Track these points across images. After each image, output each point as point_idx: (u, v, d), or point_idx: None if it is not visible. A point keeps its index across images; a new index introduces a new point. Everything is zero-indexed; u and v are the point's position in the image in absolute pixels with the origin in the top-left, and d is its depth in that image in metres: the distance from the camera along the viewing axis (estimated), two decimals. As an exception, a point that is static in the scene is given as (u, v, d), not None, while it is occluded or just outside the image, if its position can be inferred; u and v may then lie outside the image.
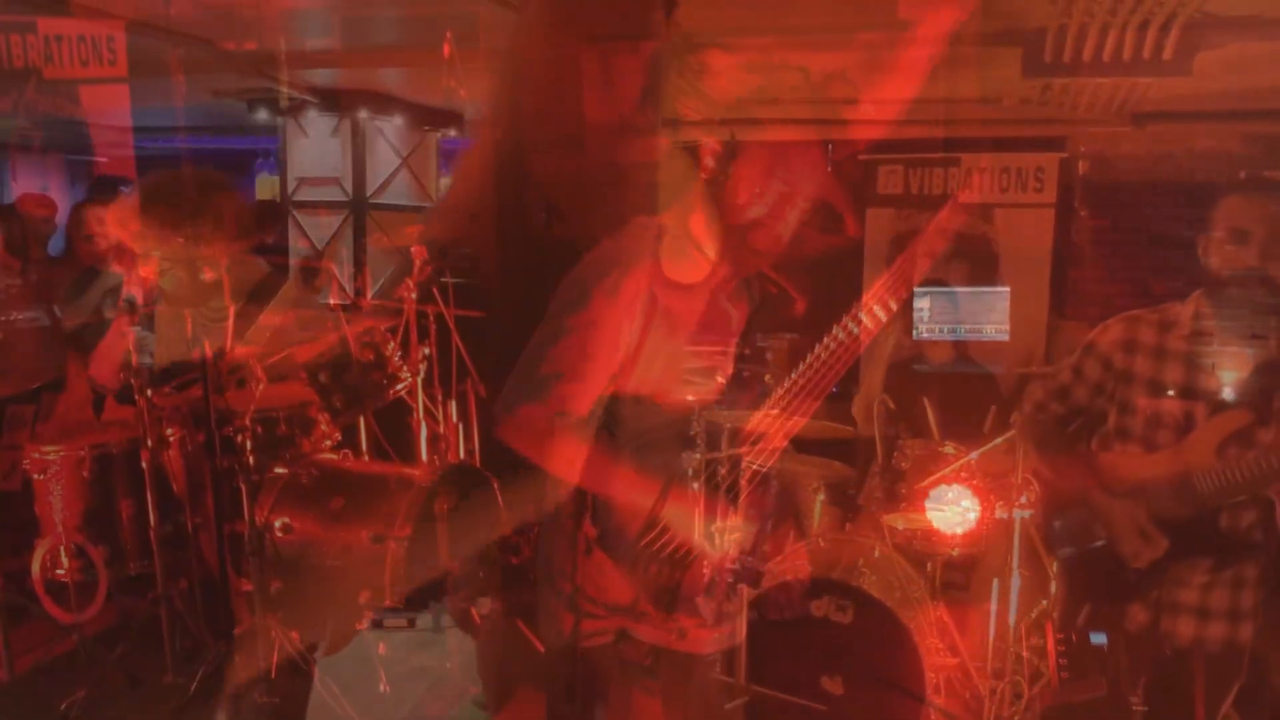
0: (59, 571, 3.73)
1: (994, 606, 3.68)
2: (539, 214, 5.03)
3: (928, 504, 4.16)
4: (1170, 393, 3.14)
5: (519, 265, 3.97)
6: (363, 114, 6.68)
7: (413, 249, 4.39)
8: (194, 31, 5.67)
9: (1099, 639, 3.89)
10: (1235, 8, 4.48)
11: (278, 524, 3.80)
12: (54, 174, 5.06)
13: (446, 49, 5.18)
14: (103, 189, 4.29)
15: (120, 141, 5.31)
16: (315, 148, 6.76)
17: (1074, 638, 3.90)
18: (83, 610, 3.70)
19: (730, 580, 2.07)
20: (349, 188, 6.78)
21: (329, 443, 4.17)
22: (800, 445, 5.03)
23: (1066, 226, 5.81)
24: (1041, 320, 5.73)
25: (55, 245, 5.36)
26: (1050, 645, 3.88)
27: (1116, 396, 3.23)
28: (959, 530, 4.14)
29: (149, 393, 3.61)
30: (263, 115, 6.56)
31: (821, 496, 4.87)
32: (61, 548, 3.71)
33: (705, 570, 2.07)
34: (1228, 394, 3.17)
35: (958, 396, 4.73)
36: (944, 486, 4.15)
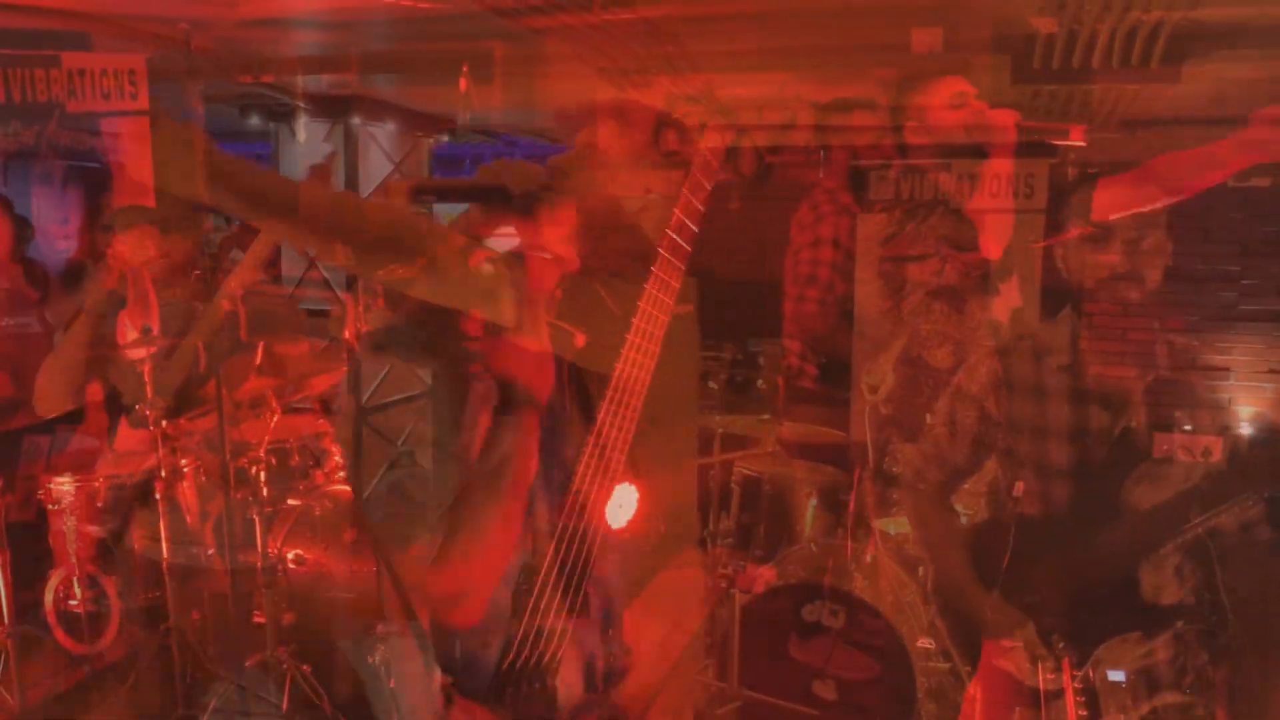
0: (72, 602, 3.73)
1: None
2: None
3: None
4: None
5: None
6: (355, 119, 6.72)
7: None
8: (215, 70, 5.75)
9: (1116, 676, 3.86)
10: (1221, 17, 4.62)
11: (290, 555, 3.79)
12: (74, 207, 5.10)
13: (463, 83, 5.23)
14: (122, 219, 4.31)
15: (140, 170, 5.35)
16: (308, 153, 6.80)
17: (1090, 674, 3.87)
18: (95, 641, 3.70)
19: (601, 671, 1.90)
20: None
21: (341, 474, 4.17)
22: (792, 450, 5.05)
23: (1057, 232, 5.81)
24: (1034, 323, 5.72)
25: (74, 277, 5.40)
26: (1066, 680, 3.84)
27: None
28: None
29: (164, 423, 3.61)
30: (255, 121, 6.61)
31: (814, 501, 4.87)
32: (75, 578, 3.71)
33: (575, 665, 1.87)
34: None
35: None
36: None
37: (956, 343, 2.98)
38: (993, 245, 2.73)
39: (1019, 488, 3.09)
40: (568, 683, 1.85)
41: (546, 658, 1.80)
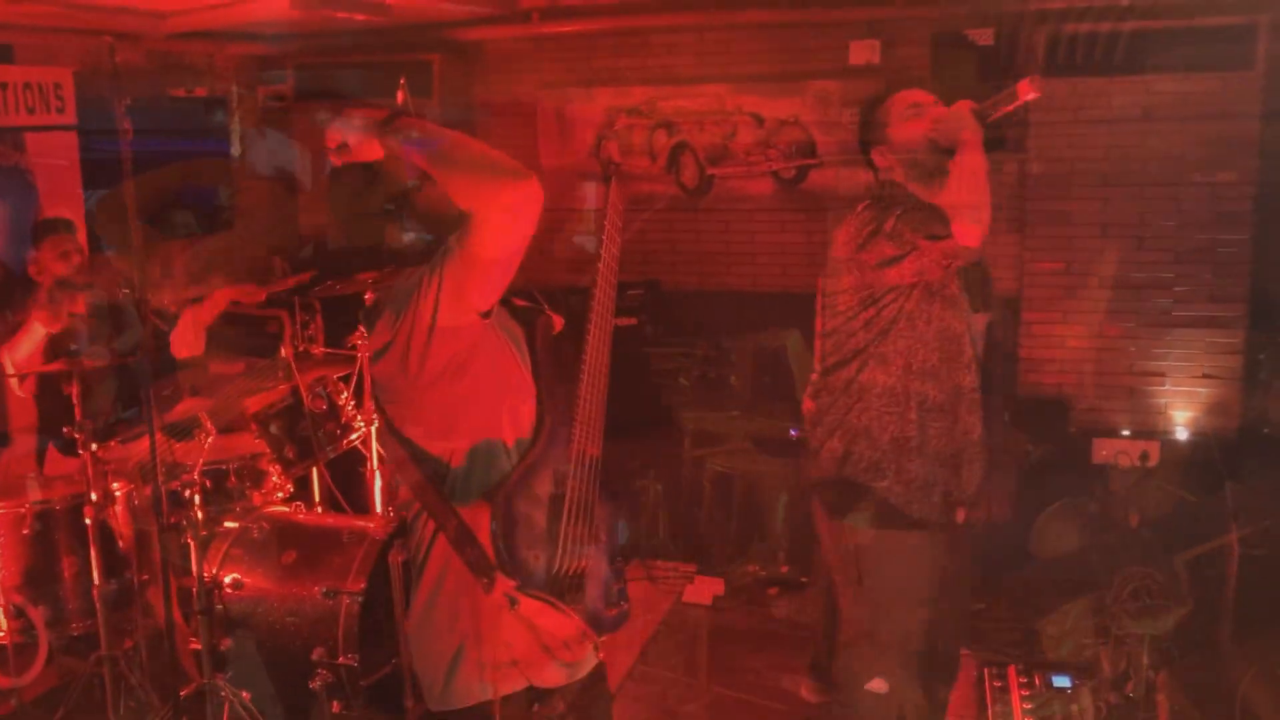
0: (-3, 634, 3.60)
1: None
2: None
3: None
4: None
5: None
6: (320, 116, 6.62)
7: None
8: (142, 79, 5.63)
9: (1061, 681, 3.90)
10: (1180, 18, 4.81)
11: (227, 580, 3.70)
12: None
13: (400, 95, 5.17)
14: (37, 232, 4.19)
15: (67, 182, 5.24)
16: (271, 150, 6.71)
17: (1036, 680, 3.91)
18: (21, 674, 3.58)
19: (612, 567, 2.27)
20: (256, 157, 6.71)
21: (280, 495, 4.09)
22: (762, 446, 5.08)
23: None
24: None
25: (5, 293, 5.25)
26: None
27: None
28: None
29: (94, 447, 3.51)
30: (219, 117, 6.51)
31: (784, 498, 4.89)
32: (0, 609, 3.58)
33: (596, 582, 2.22)
34: None
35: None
36: None
37: (935, 350, 2.98)
38: (970, 233, 2.76)
39: (960, 514, 3.08)
40: (591, 595, 2.19)
41: (578, 570, 2.16)
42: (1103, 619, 4.19)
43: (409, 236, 2.16)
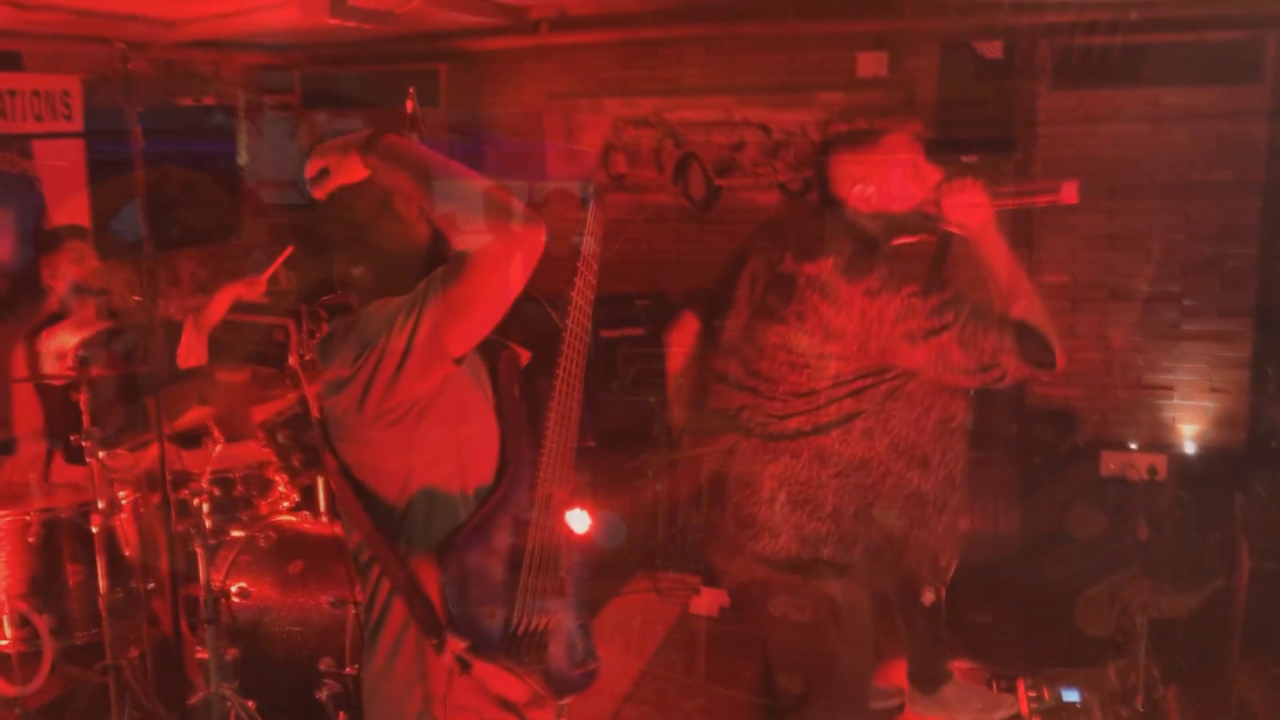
0: (2, 642, 3.58)
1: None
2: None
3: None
4: None
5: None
6: (320, 116, 6.65)
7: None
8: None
9: (1070, 695, 3.89)
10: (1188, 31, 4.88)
11: (234, 589, 3.68)
12: (4, 229, 4.96)
13: (409, 105, 5.18)
14: (51, 238, 4.18)
15: (74, 189, 5.24)
16: (272, 150, 6.71)
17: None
18: (26, 683, 3.55)
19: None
20: (261, 165, 6.72)
21: (287, 504, 4.08)
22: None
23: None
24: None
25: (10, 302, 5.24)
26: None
27: None
28: None
29: (100, 454, 3.49)
30: (219, 119, 6.51)
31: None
32: (4, 617, 3.56)
33: (560, 639, 2.07)
34: None
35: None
36: None
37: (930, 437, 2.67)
38: (1060, 358, 2.46)
39: (928, 596, 2.92)
40: (554, 654, 2.05)
41: (539, 627, 2.02)
42: (1137, 596, 4.17)
43: (358, 270, 1.97)
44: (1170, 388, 5.35)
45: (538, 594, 2.00)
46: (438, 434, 1.91)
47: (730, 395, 2.64)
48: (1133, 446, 5.21)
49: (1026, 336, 2.45)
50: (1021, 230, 5.52)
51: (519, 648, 1.98)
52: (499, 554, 1.97)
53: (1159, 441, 5.30)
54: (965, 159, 5.30)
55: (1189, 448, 5.26)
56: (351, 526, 2.01)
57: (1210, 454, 5.20)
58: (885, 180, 2.53)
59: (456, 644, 1.89)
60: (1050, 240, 5.45)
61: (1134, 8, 4.83)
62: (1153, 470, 5.00)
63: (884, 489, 2.62)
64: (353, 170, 1.91)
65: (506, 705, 1.97)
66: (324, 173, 1.92)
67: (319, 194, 1.94)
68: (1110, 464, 5.11)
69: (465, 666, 1.90)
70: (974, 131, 5.24)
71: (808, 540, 2.63)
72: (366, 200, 1.95)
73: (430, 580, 1.91)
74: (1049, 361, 2.46)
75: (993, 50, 5.11)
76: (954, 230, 2.57)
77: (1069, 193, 2.44)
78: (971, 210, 2.50)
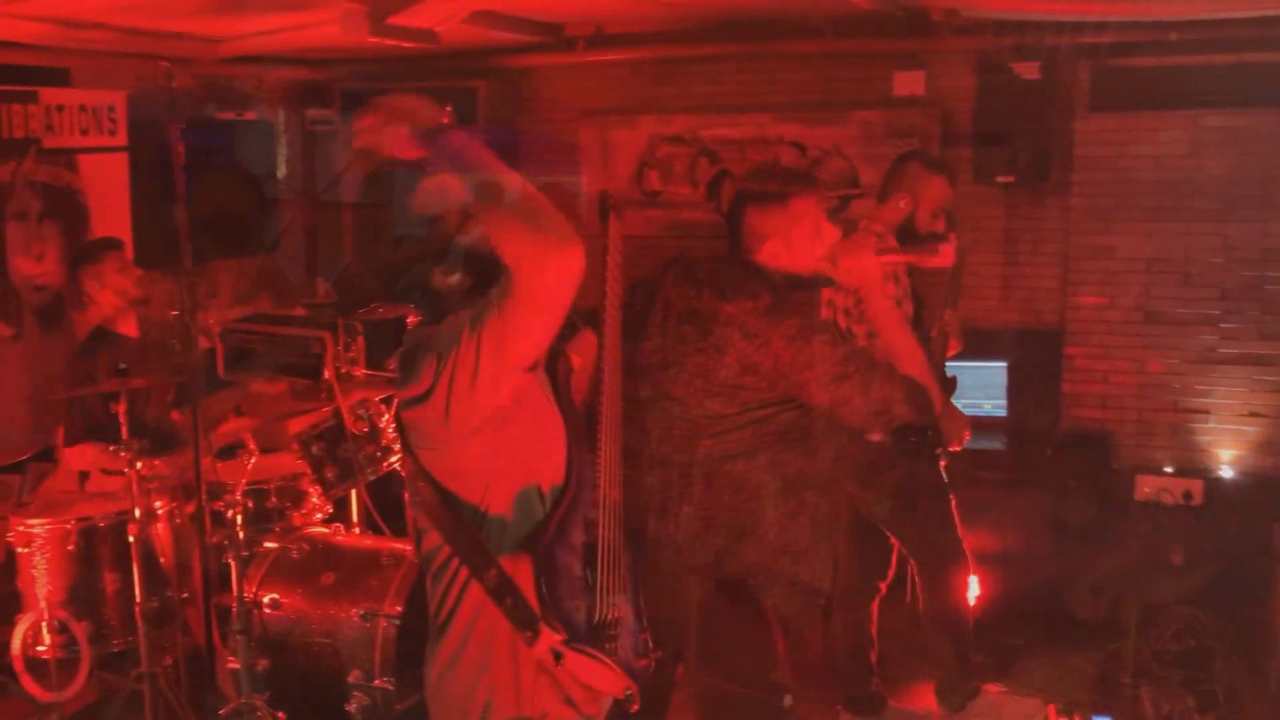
0: (40, 648, 3.64)
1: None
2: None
3: None
4: None
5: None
6: (313, 106, 6.71)
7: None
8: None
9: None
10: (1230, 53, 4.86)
11: (266, 599, 3.72)
12: (50, 241, 5.05)
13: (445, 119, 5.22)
14: (96, 249, 4.25)
15: (117, 203, 5.33)
16: (313, 164, 6.79)
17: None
18: (63, 688, 3.61)
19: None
20: (300, 183, 6.79)
21: (320, 516, 4.11)
22: None
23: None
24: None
25: (50, 314, 5.34)
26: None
27: None
28: None
29: (138, 464, 3.54)
30: (260, 133, 6.59)
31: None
32: (44, 624, 3.62)
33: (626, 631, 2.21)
34: None
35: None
36: None
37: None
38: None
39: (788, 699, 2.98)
40: (624, 646, 2.16)
41: (615, 619, 2.14)
42: (1143, 659, 4.13)
43: (453, 277, 2.02)
44: (1207, 411, 5.27)
45: (612, 588, 2.12)
46: (519, 438, 1.99)
47: (642, 414, 2.76)
48: (1168, 471, 5.14)
49: (913, 391, 2.74)
50: (1057, 252, 5.48)
51: (601, 638, 2.10)
52: (578, 550, 2.10)
53: (1195, 466, 5.22)
54: (1001, 180, 5.27)
55: (1226, 473, 5.18)
56: (428, 529, 2.08)
57: (1248, 479, 5.12)
58: (789, 240, 2.73)
59: (551, 636, 1.98)
60: (1086, 263, 5.40)
61: (1174, 29, 4.79)
62: (1188, 495, 4.93)
63: (775, 515, 2.75)
64: (404, 147, 1.90)
65: (565, 699, 2.03)
66: (372, 142, 1.91)
67: (360, 169, 2.01)
68: (1145, 488, 5.04)
69: (559, 657, 1.98)
70: (1010, 153, 5.20)
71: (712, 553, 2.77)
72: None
73: (521, 576, 1.98)
74: (930, 410, 2.88)
75: (1030, 71, 5.07)
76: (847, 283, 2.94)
77: (945, 255, 2.78)
78: (861, 270, 2.83)
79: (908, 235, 3.79)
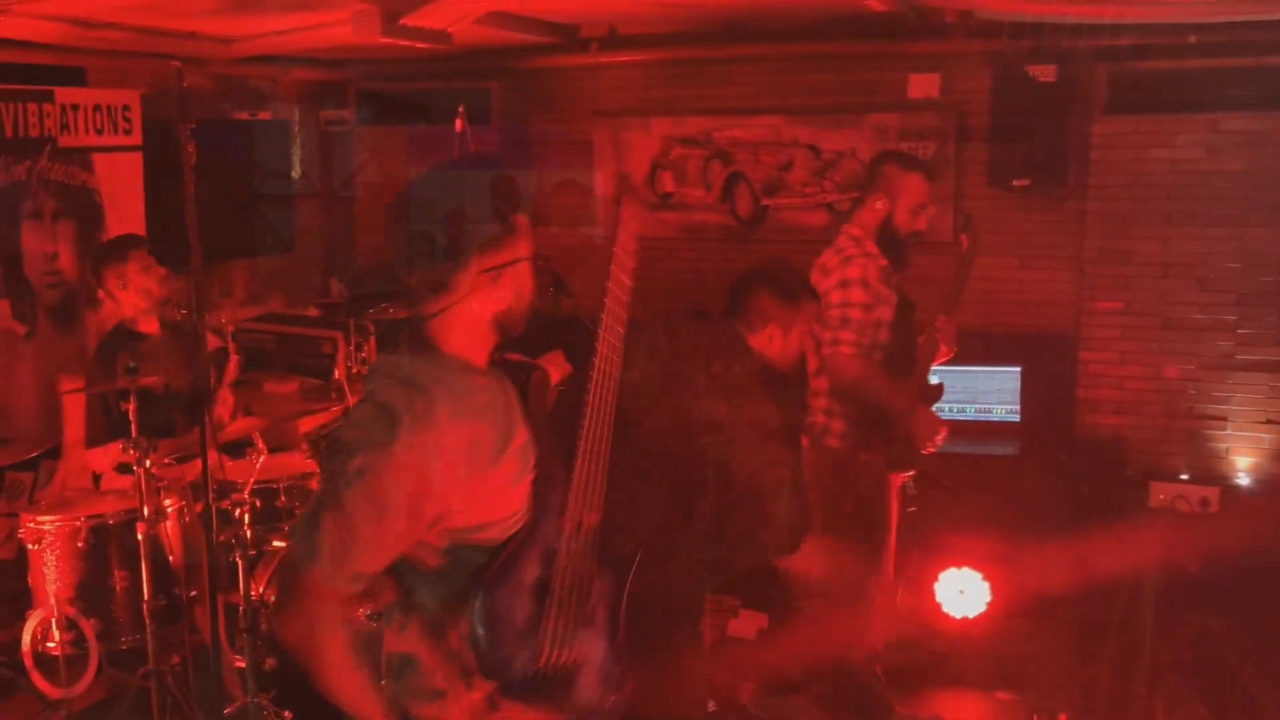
0: (49, 644, 3.64)
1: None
2: (546, 287, 5.03)
3: None
4: None
5: (525, 337, 3.95)
6: (328, 106, 6.73)
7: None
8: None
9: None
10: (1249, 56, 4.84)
11: (273, 599, 3.72)
12: (65, 240, 5.07)
13: (459, 122, 5.25)
14: (120, 247, 4.23)
15: (131, 201, 5.35)
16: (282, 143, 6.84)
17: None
18: (72, 685, 3.61)
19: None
20: (315, 180, 6.85)
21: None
22: None
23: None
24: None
25: (64, 313, 5.35)
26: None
27: None
28: None
29: (147, 463, 3.55)
30: (274, 132, 6.62)
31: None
32: (53, 620, 3.63)
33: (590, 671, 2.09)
34: None
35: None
36: None
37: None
38: None
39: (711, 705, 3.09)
40: (585, 684, 2.04)
41: (566, 662, 2.00)
42: (1158, 668, 4.09)
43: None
44: (1224, 418, 5.23)
45: (566, 626, 1.98)
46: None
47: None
48: (1184, 478, 5.10)
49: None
50: (1072, 256, 5.44)
51: (547, 683, 1.98)
52: (525, 589, 1.96)
53: (1211, 473, 5.18)
54: (1017, 183, 5.23)
55: (1242, 480, 5.14)
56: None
57: (1265, 486, 5.07)
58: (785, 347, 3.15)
59: (484, 685, 1.92)
60: (1103, 267, 5.36)
61: (1192, 32, 4.75)
62: (1204, 502, 4.89)
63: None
64: None
65: None
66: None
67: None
68: (1160, 495, 5.00)
69: (493, 706, 1.92)
70: (1025, 156, 5.16)
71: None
72: None
73: (457, 623, 1.94)
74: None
75: (1046, 74, 5.04)
76: None
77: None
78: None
79: (887, 236, 3.74)
